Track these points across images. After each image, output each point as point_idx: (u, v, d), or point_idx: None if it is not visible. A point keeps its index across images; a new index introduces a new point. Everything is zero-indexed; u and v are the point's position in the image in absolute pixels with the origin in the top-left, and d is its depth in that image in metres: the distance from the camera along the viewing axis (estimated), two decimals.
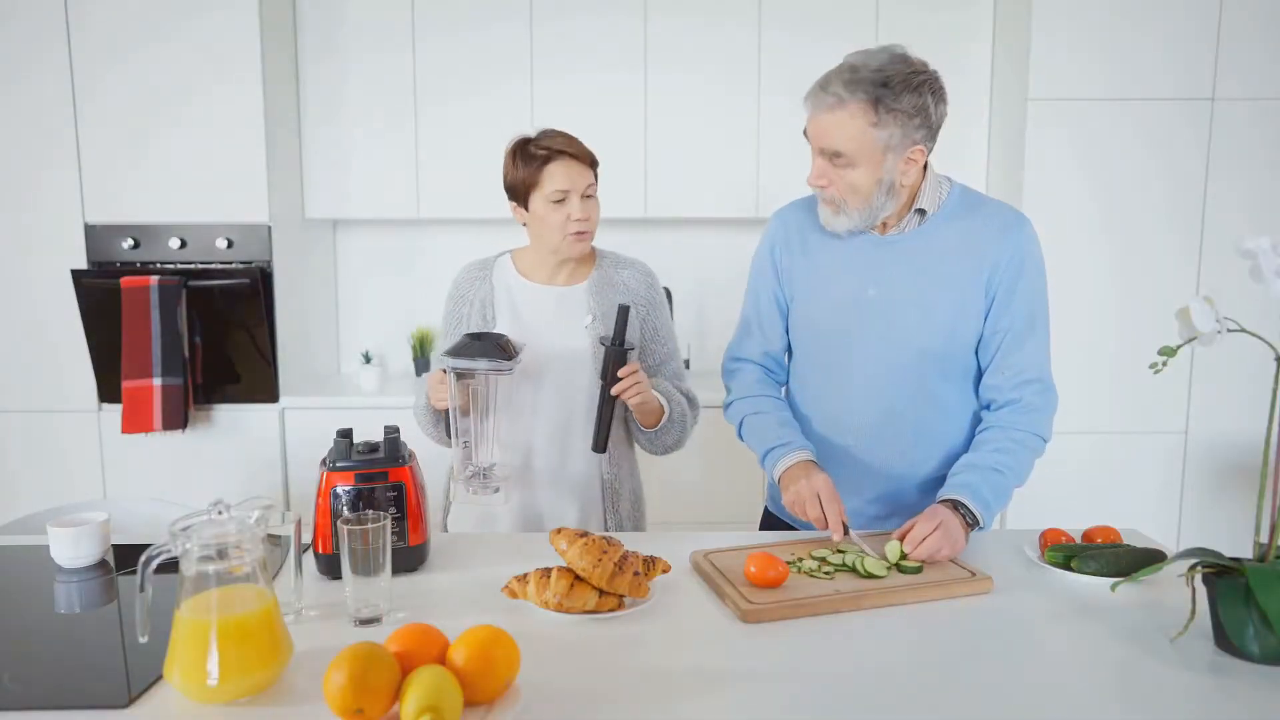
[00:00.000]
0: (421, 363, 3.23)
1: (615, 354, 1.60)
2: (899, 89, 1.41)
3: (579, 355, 1.69)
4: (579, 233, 1.65)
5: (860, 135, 1.42)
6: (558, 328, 1.70)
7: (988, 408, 1.58)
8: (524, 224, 1.72)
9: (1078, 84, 2.78)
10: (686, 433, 1.77)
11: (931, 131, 1.47)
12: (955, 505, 1.43)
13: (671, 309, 3.31)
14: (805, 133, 1.50)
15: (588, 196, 1.66)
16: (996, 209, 1.57)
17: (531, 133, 1.68)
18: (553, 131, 1.68)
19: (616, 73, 3.04)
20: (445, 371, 1.58)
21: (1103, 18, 2.75)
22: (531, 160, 1.64)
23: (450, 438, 1.67)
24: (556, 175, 1.63)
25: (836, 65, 1.46)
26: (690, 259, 3.37)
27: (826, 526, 1.45)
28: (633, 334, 1.71)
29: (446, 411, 1.62)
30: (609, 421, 1.63)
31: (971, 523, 1.43)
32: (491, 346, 1.56)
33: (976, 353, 1.57)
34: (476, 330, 1.69)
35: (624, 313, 1.60)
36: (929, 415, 1.57)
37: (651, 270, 1.81)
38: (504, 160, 1.69)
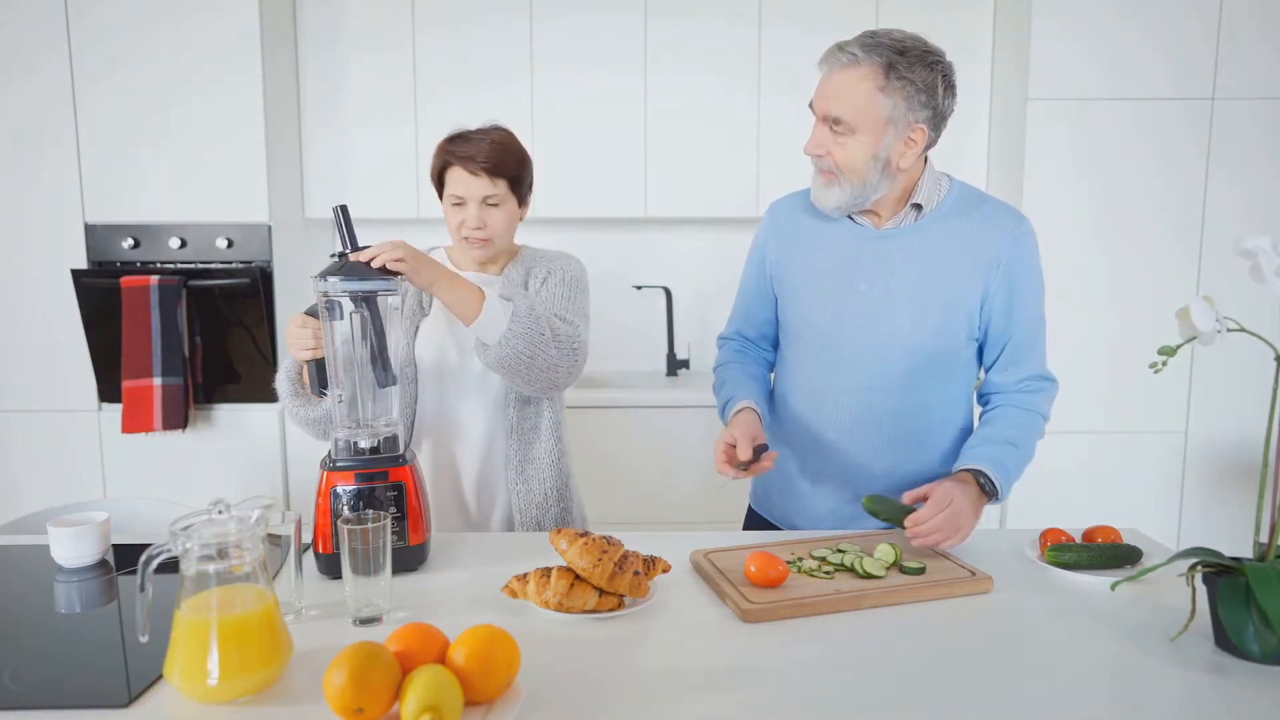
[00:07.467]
0: None
1: (338, 266, 1.37)
2: (913, 60, 1.43)
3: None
4: (469, 239, 1.64)
5: (866, 99, 1.42)
6: None
7: (987, 402, 1.60)
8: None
9: (1078, 84, 2.78)
10: (542, 346, 1.50)
11: (936, 116, 1.46)
12: (974, 475, 1.45)
13: (671, 308, 3.32)
14: (811, 105, 1.50)
15: (491, 205, 1.62)
16: (996, 208, 1.55)
17: (470, 126, 1.65)
18: (470, 134, 1.64)
19: (616, 72, 3.04)
20: (321, 296, 1.37)
21: (1103, 18, 2.75)
22: (437, 160, 1.65)
23: (320, 392, 1.48)
24: (453, 181, 1.62)
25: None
26: (690, 259, 3.37)
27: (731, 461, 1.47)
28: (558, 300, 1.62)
29: (313, 365, 1.46)
30: (385, 357, 1.40)
31: (990, 492, 1.44)
32: (363, 266, 1.37)
33: (980, 353, 1.58)
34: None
35: (342, 212, 1.42)
36: (913, 414, 1.57)
37: (575, 258, 1.74)
38: None
